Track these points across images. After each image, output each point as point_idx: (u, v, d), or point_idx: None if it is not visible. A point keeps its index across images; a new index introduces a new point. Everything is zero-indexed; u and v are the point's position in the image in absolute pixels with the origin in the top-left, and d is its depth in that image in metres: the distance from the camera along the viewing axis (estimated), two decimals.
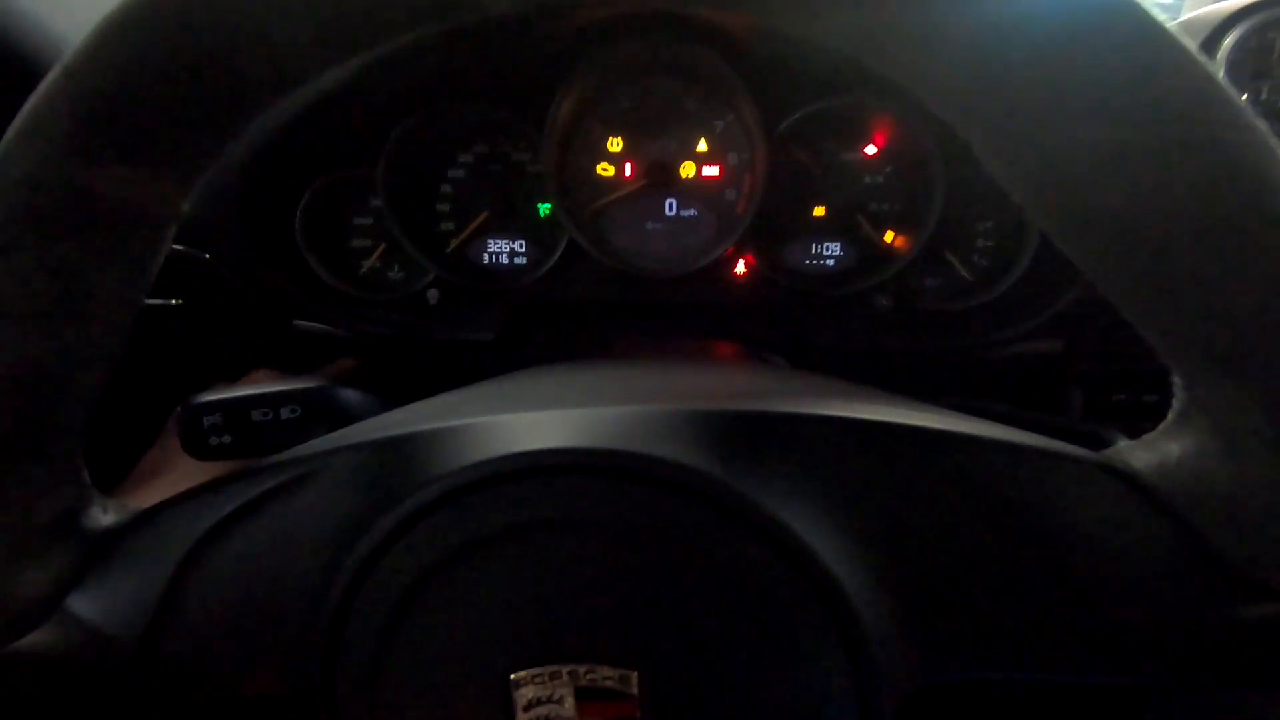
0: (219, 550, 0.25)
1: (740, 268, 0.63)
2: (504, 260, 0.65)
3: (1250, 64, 0.62)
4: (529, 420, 0.25)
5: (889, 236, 0.62)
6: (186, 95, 0.20)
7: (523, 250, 0.65)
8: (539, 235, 0.65)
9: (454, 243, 0.64)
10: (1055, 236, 0.21)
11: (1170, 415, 0.24)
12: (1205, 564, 0.22)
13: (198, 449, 0.40)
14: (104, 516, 0.26)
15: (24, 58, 0.44)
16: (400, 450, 0.25)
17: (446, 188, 0.64)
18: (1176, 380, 0.22)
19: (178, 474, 0.45)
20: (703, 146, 0.61)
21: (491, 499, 0.23)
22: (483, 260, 0.66)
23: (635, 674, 0.23)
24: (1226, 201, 0.18)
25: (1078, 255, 0.21)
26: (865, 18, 0.19)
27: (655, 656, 0.23)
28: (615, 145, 0.62)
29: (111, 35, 0.19)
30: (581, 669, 0.23)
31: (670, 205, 0.63)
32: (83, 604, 0.25)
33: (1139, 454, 0.24)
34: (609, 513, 0.23)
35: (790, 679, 0.23)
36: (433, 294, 0.63)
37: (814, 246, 0.64)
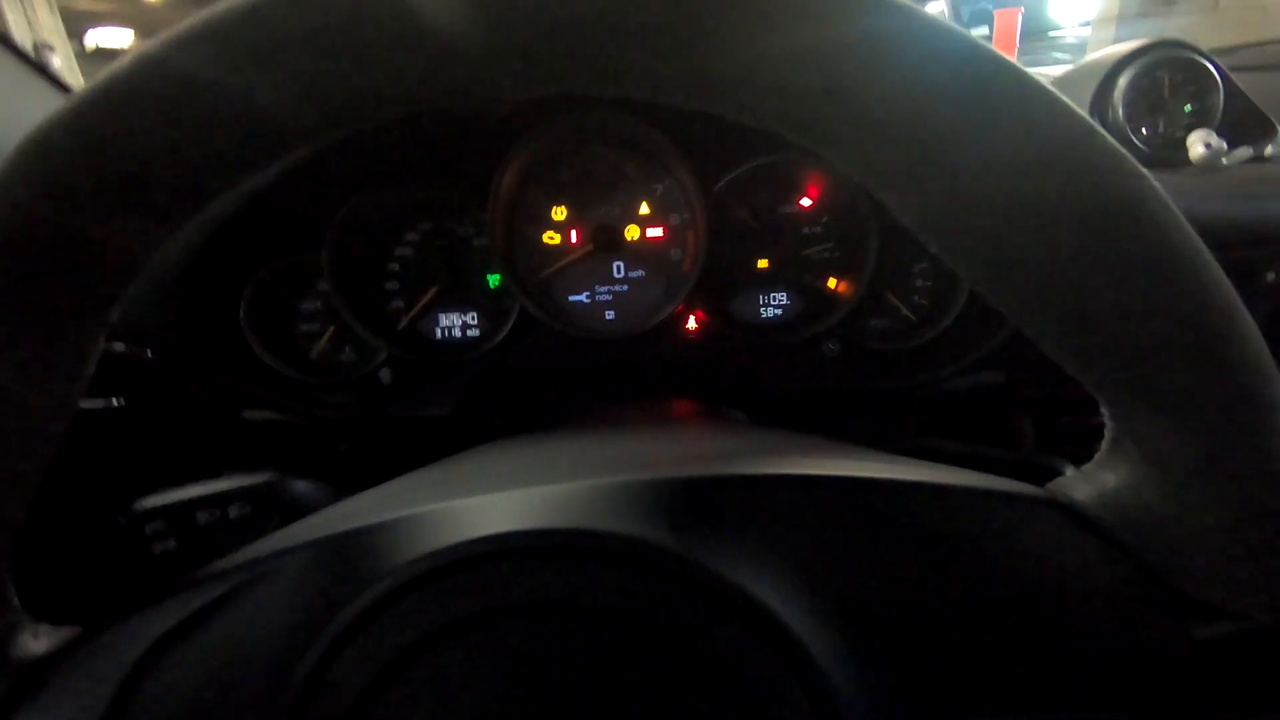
0: (161, 669, 0.24)
1: (691, 323, 0.64)
2: (456, 333, 0.65)
3: (1145, 101, 0.67)
4: (479, 504, 0.25)
5: (832, 283, 0.64)
6: (155, 162, 0.20)
7: (475, 322, 0.65)
8: (490, 306, 0.65)
9: (405, 320, 0.64)
10: (971, 282, 0.22)
11: (1103, 445, 0.24)
12: (1152, 589, 0.22)
13: (141, 559, 0.38)
14: (34, 643, 0.24)
15: None
16: (352, 545, 0.25)
17: (394, 266, 0.64)
18: (1105, 411, 0.23)
19: (121, 588, 0.43)
20: (645, 209, 0.63)
21: (445, 590, 0.23)
22: (435, 335, 0.65)
23: None
24: (1124, 243, 0.19)
25: (995, 300, 0.22)
26: (770, 83, 0.20)
27: None
28: (559, 214, 0.63)
29: (89, 105, 0.19)
30: None
31: (618, 268, 0.65)
32: None
33: (1080, 485, 0.24)
34: (566, 593, 0.22)
35: None
36: (385, 373, 0.62)
37: (761, 297, 0.66)
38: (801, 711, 0.22)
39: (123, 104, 0.19)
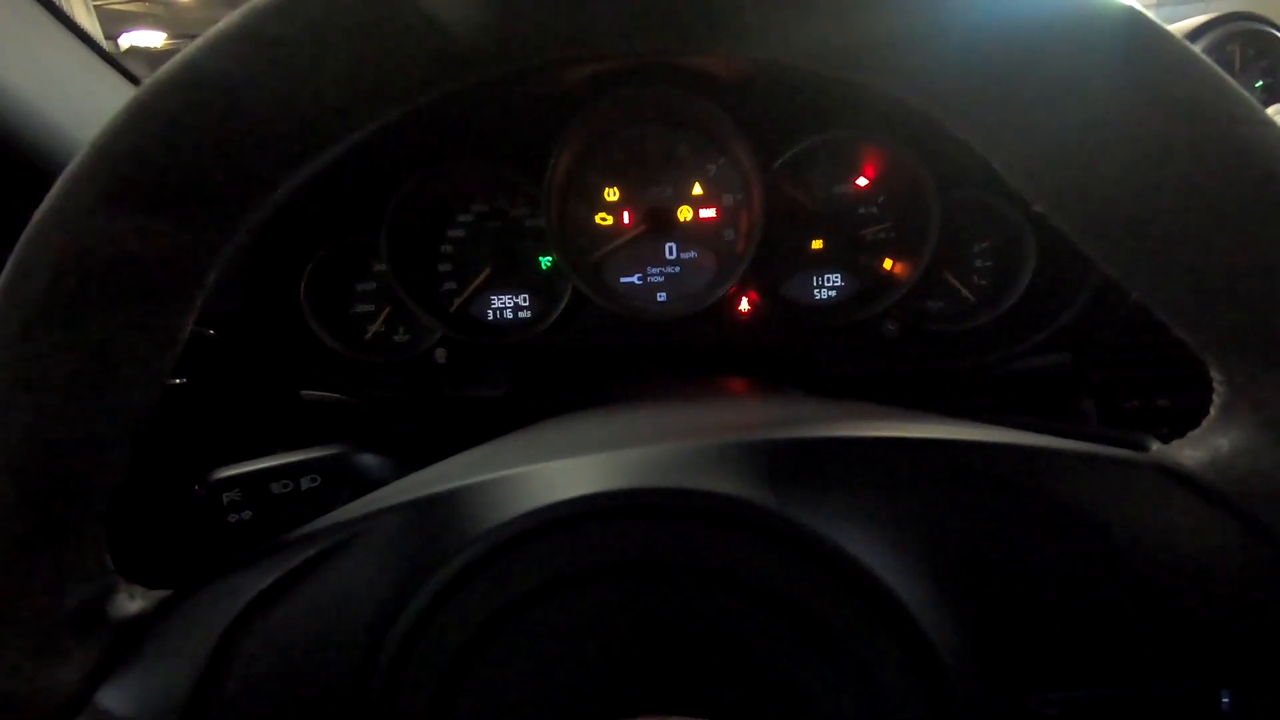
0: (256, 629, 0.24)
1: (744, 305, 0.63)
2: (509, 315, 0.66)
3: None
4: (571, 466, 0.25)
5: (888, 264, 0.63)
6: (216, 162, 0.20)
7: (526, 304, 0.66)
8: (542, 288, 0.65)
9: (458, 301, 0.65)
10: (1081, 243, 0.21)
11: (1213, 410, 0.23)
12: (1268, 558, 0.22)
13: (218, 528, 0.39)
14: (131, 604, 0.25)
15: (23, 148, 0.45)
16: (442, 508, 0.25)
17: (448, 248, 0.65)
18: (1215, 374, 0.22)
19: (202, 555, 0.44)
20: (698, 190, 0.63)
21: (543, 550, 0.23)
22: (487, 316, 0.66)
23: None
24: (1252, 194, 0.18)
25: (1106, 259, 0.21)
26: (874, 42, 0.20)
27: (726, 702, 0.22)
28: (612, 195, 0.63)
29: (143, 109, 0.19)
30: None
31: (670, 249, 0.64)
32: (114, 698, 0.24)
33: (1187, 452, 0.24)
34: (666, 554, 0.22)
35: (866, 717, 0.22)
36: (440, 353, 0.63)
37: (815, 279, 0.65)
38: (903, 675, 0.22)
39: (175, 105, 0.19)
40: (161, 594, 0.26)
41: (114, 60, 0.58)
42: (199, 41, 0.19)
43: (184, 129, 0.19)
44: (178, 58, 0.20)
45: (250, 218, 0.23)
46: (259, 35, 0.19)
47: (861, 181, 0.62)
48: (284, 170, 0.22)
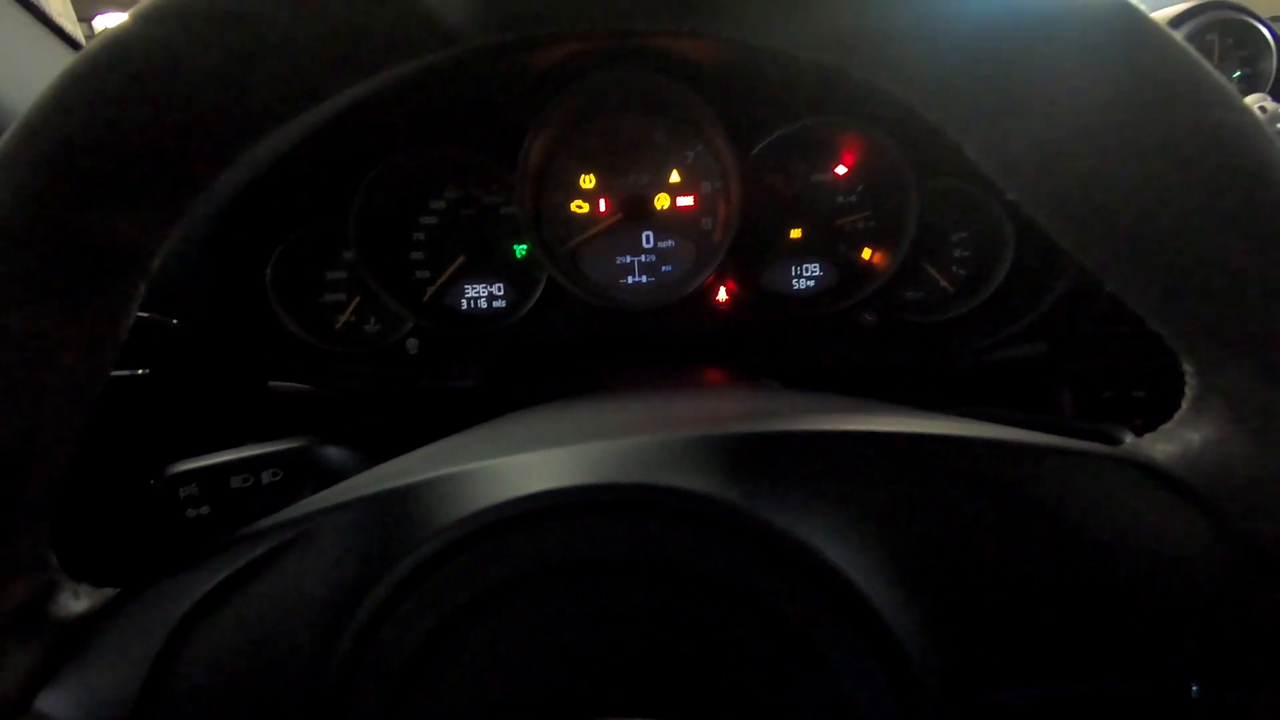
0: (205, 629, 0.23)
1: (722, 295, 0.63)
2: (483, 304, 0.65)
3: None
4: (533, 460, 0.24)
5: (867, 254, 0.63)
6: (159, 138, 0.19)
7: (501, 293, 0.65)
8: (517, 277, 0.64)
9: (430, 290, 0.63)
10: (1055, 231, 0.21)
11: (1185, 403, 0.23)
12: (1239, 553, 0.22)
13: (174, 524, 0.38)
14: (75, 603, 0.24)
15: None
16: (399, 503, 0.24)
17: (419, 235, 0.63)
18: (1188, 367, 0.22)
19: (155, 552, 0.43)
20: (675, 178, 0.62)
21: (501, 546, 0.22)
22: (461, 305, 0.65)
23: None
24: (1229, 183, 0.18)
25: (1079, 248, 0.21)
26: (852, 23, 0.19)
27: (689, 703, 0.21)
28: (588, 182, 0.62)
29: (74, 82, 0.18)
30: None
31: (647, 238, 0.63)
32: (55, 702, 0.23)
33: (1159, 446, 0.23)
34: (629, 552, 0.22)
35: (833, 716, 0.21)
36: (412, 343, 0.62)
37: (794, 268, 0.64)
38: (870, 674, 0.21)
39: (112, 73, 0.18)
40: (108, 593, 0.25)
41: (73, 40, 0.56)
42: (138, 8, 0.18)
43: (121, 103, 0.18)
44: (116, 26, 0.18)
45: (198, 198, 0.22)
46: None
47: (840, 170, 0.62)
48: (234, 147, 0.21)
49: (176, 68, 0.18)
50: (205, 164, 0.21)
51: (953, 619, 0.22)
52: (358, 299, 0.63)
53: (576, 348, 0.65)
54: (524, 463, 0.24)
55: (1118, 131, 0.18)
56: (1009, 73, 0.19)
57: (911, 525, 0.23)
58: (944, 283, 0.63)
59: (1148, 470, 0.23)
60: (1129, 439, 0.25)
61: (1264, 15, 0.65)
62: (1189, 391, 0.23)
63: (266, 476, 0.39)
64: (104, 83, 0.18)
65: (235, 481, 0.38)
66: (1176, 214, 0.18)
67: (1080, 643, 0.22)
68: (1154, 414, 0.58)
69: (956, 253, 0.63)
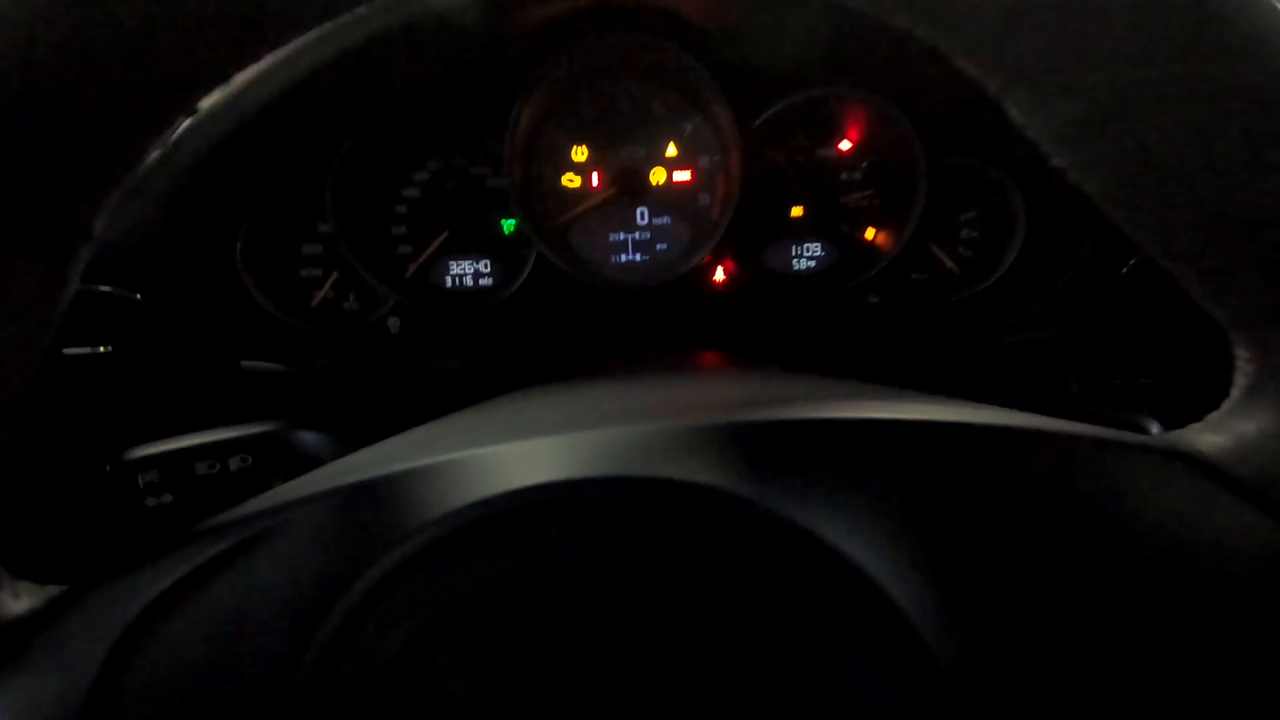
0: (160, 632, 0.22)
1: (719, 275, 0.61)
2: (468, 282, 0.62)
3: None
4: (523, 451, 0.23)
5: (870, 233, 0.61)
6: (105, 75, 0.17)
7: (487, 270, 0.62)
8: (504, 253, 0.62)
9: (413, 266, 0.61)
10: (1104, 200, 0.20)
11: (1237, 391, 0.22)
12: None
13: (133, 514, 0.35)
14: (15, 602, 0.23)
15: None
16: (375, 496, 0.22)
17: (401, 208, 0.61)
18: (1242, 352, 0.21)
19: (108, 546, 0.40)
20: (672, 151, 0.60)
21: (489, 545, 0.20)
22: (445, 283, 0.62)
23: None
24: None
25: (1129, 218, 0.20)
26: None
27: (700, 709, 0.20)
28: (580, 154, 0.59)
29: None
30: None
31: (642, 214, 0.61)
32: None
33: (1207, 437, 0.22)
34: (631, 550, 0.20)
35: None
36: (393, 322, 0.59)
37: (794, 248, 0.62)
38: (898, 685, 0.20)
39: None
40: (53, 591, 0.23)
41: None
42: None
43: (52, 25, 0.16)
44: None
45: (148, 150, 0.20)
46: None
47: (844, 145, 0.60)
48: (190, 90, 0.19)
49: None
50: (167, 104, 0.19)
51: (987, 625, 0.21)
52: (335, 275, 0.60)
53: (565, 329, 0.63)
54: (514, 453, 0.22)
55: (1189, 84, 0.17)
56: (1068, 14, 0.17)
57: (939, 521, 0.21)
58: (951, 264, 0.61)
59: (1195, 463, 0.21)
60: (1156, 428, 0.24)
61: None
62: (1240, 379, 0.21)
63: (234, 463, 0.36)
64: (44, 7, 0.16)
65: (200, 468, 0.36)
66: (1234, 176, 0.17)
67: (1122, 650, 0.21)
68: (1160, 402, 0.58)
69: (964, 233, 0.61)
